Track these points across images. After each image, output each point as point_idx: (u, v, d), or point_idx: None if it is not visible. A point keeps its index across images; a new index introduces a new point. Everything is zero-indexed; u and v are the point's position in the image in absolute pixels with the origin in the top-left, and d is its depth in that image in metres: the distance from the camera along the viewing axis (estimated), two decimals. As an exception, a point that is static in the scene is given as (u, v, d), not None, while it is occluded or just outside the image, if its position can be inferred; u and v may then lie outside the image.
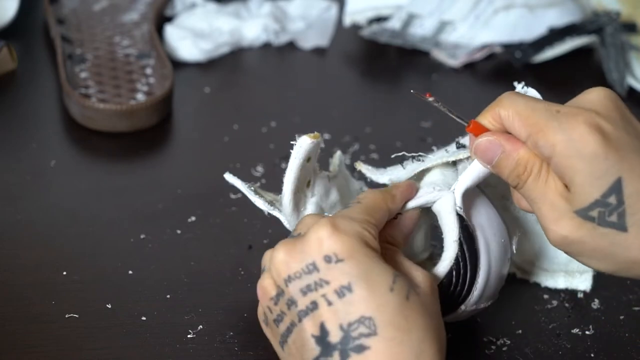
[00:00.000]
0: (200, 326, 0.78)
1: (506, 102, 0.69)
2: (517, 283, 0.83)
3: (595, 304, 0.82)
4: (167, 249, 0.86)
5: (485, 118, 0.70)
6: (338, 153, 0.83)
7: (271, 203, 0.78)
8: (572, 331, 0.80)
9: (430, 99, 0.71)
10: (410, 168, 0.77)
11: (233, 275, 0.83)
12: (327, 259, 0.64)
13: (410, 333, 0.64)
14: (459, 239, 0.73)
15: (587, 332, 0.79)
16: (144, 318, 0.79)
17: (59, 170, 0.94)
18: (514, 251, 0.77)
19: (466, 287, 0.73)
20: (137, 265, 0.83)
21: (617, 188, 0.65)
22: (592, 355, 0.78)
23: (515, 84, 0.75)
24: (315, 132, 0.75)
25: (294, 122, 1.03)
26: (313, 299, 0.64)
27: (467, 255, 0.73)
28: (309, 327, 0.64)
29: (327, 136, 1.00)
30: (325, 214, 0.78)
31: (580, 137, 0.65)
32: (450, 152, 0.76)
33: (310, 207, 0.77)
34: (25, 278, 0.82)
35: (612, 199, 0.65)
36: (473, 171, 0.74)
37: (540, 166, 0.68)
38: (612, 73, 1.10)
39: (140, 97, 1.01)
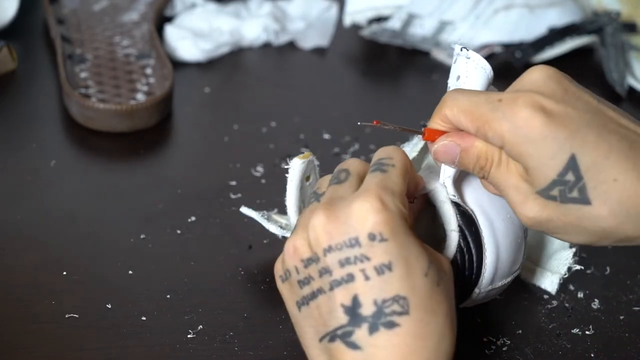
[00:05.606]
0: (200, 326, 0.78)
1: (449, 101, 0.69)
2: (517, 283, 0.83)
3: (595, 304, 0.82)
4: (167, 249, 0.85)
5: (436, 122, 0.71)
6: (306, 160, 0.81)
7: (286, 226, 0.82)
8: (572, 331, 0.80)
9: (378, 125, 0.71)
10: None
11: (233, 275, 0.83)
12: (371, 237, 0.65)
13: (437, 317, 0.65)
14: (459, 226, 0.73)
15: (587, 332, 0.79)
16: (144, 318, 0.79)
17: (59, 170, 0.94)
18: None
19: (474, 270, 0.73)
20: (137, 265, 0.83)
21: (572, 165, 0.66)
22: (592, 355, 0.78)
23: (455, 46, 0.74)
24: (306, 152, 0.77)
25: (294, 122, 1.03)
26: (350, 271, 0.65)
27: (469, 240, 0.73)
28: (340, 296, 0.65)
29: (327, 136, 1.00)
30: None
31: (525, 122, 0.66)
32: (412, 144, 0.78)
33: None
34: (25, 278, 0.82)
35: (570, 176, 0.66)
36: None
37: (500, 153, 0.69)
38: (612, 73, 1.10)
39: (140, 97, 1.01)
